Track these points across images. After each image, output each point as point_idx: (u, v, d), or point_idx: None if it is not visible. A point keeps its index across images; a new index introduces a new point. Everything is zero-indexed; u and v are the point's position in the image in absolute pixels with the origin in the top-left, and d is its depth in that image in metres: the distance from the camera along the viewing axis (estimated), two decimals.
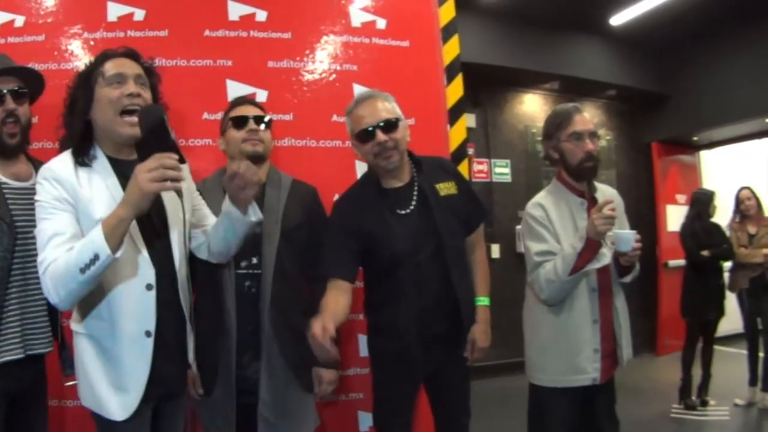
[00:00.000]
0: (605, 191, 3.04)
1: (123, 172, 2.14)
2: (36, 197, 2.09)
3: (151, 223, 2.21)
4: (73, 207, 2.08)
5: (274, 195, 2.75)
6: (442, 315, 2.74)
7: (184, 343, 2.32)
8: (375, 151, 2.67)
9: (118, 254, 1.93)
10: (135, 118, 2.10)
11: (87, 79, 2.19)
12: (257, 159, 2.71)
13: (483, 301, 2.93)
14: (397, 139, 2.67)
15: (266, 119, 2.82)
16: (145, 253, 2.16)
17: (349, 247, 2.71)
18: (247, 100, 2.94)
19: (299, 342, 2.56)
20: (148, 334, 2.14)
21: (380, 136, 2.64)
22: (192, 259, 2.44)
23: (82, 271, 1.90)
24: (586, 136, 2.84)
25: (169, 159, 1.93)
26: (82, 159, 2.16)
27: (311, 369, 2.80)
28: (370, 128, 2.66)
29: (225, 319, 2.59)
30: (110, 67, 2.17)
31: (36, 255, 2.06)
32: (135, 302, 2.14)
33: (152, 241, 2.20)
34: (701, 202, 6.30)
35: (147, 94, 2.22)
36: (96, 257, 1.89)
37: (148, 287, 2.15)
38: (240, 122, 2.76)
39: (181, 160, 1.98)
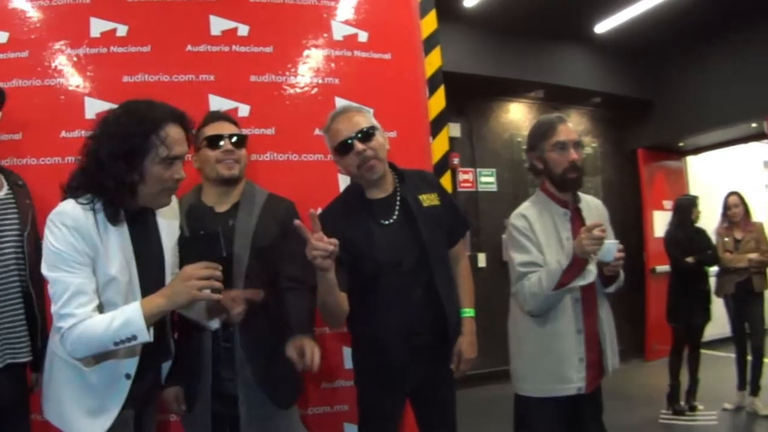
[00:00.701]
0: (590, 202, 3.06)
1: (132, 224, 2.22)
2: (53, 242, 2.05)
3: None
4: (92, 261, 2.09)
5: (246, 217, 2.72)
6: (427, 326, 2.73)
7: (159, 368, 2.47)
8: (357, 163, 2.68)
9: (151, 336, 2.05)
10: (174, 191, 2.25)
11: (144, 142, 2.09)
12: (232, 181, 2.73)
13: (468, 312, 2.93)
14: (375, 147, 2.68)
15: (241, 136, 2.78)
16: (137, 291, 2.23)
17: (339, 257, 2.63)
18: (222, 115, 2.89)
19: (273, 359, 2.62)
20: (127, 377, 2.22)
21: (358, 146, 2.65)
22: None
23: (116, 344, 2.02)
24: (570, 146, 2.85)
25: (217, 271, 2.07)
26: (110, 213, 2.13)
27: (285, 383, 2.76)
28: (349, 140, 2.67)
29: (202, 337, 2.59)
30: (169, 142, 2.12)
31: (11, 262, 2.31)
32: (122, 350, 2.16)
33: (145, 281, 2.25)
34: (682, 209, 6.35)
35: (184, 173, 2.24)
36: (134, 337, 2.01)
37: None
38: (215, 141, 2.72)
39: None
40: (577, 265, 2.68)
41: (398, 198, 2.81)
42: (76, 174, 2.17)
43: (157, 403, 2.63)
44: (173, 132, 2.13)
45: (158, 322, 2.16)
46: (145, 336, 2.02)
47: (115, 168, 2.07)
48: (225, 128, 2.76)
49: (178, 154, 2.15)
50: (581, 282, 2.74)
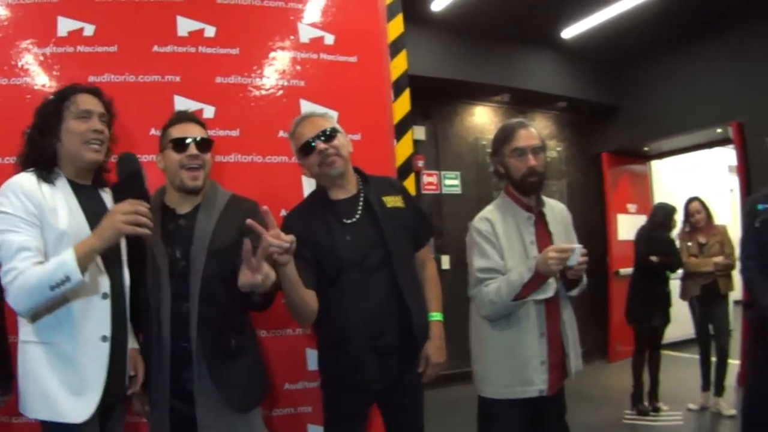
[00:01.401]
0: (554, 206, 3.10)
1: (80, 193, 2.44)
2: (1, 209, 2.25)
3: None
4: (39, 221, 2.27)
5: (205, 218, 2.70)
6: (393, 324, 2.75)
7: (123, 378, 2.51)
8: (319, 161, 2.75)
9: (86, 278, 2.20)
10: (97, 146, 2.43)
11: (58, 109, 2.42)
12: (196, 191, 2.72)
13: (436, 316, 2.95)
14: (337, 146, 2.77)
15: (206, 140, 2.75)
16: (100, 264, 2.37)
17: (304, 255, 2.72)
18: (189, 116, 2.84)
19: (230, 362, 2.65)
20: (104, 338, 2.35)
21: (320, 145, 2.74)
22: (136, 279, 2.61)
23: (52, 288, 2.13)
24: (528, 152, 2.88)
25: (142, 206, 2.23)
26: (47, 176, 2.38)
27: (243, 387, 2.73)
28: (312, 142, 2.75)
29: (162, 335, 2.58)
30: (80, 102, 2.42)
31: None
32: (92, 309, 2.34)
33: (106, 254, 2.37)
34: (665, 212, 6.43)
35: (107, 131, 2.50)
36: (67, 279, 2.13)
37: (104, 296, 2.37)
38: (180, 144, 2.67)
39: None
40: (538, 279, 2.70)
41: (361, 198, 2.85)
42: (20, 154, 2.47)
43: (124, 414, 2.65)
44: (83, 97, 2.45)
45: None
46: (78, 276, 2.13)
47: (42, 139, 2.40)
48: (191, 130, 2.72)
49: (90, 108, 2.44)
50: (541, 296, 2.77)
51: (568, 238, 2.97)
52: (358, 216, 2.82)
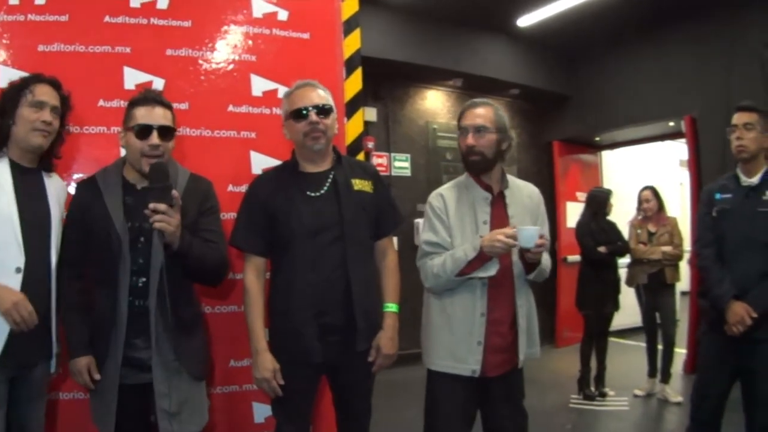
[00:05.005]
0: (522, 188, 3.11)
1: (22, 175, 2.61)
2: None
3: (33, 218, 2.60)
4: None
5: None
6: (337, 306, 2.78)
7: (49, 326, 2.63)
8: (305, 130, 2.80)
9: None
10: (44, 134, 2.60)
11: (17, 95, 2.58)
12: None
13: (391, 307, 2.99)
14: (327, 124, 2.84)
15: (170, 128, 2.74)
16: (20, 239, 2.51)
17: (258, 221, 2.83)
18: (155, 97, 2.77)
19: (186, 333, 2.70)
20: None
21: (313, 116, 2.80)
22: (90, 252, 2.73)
23: None
24: (469, 131, 2.91)
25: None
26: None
27: (197, 355, 2.82)
28: (305, 109, 2.80)
29: (117, 309, 2.60)
30: (36, 93, 2.59)
31: None
32: (2, 282, 2.45)
33: (28, 232, 2.55)
34: (598, 201, 6.49)
35: (56, 123, 2.65)
36: None
37: (17, 270, 2.48)
38: (144, 132, 2.66)
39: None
40: (480, 258, 2.74)
41: (330, 175, 2.90)
42: None
43: (42, 387, 2.70)
44: (41, 88, 2.61)
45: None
46: None
47: (4, 114, 2.57)
48: (156, 115, 2.69)
49: (44, 100, 2.59)
50: (482, 274, 2.79)
51: (533, 221, 2.97)
52: (323, 191, 2.87)
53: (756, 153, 3.33)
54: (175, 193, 2.48)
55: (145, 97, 2.76)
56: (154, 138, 2.66)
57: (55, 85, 2.66)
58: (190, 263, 2.64)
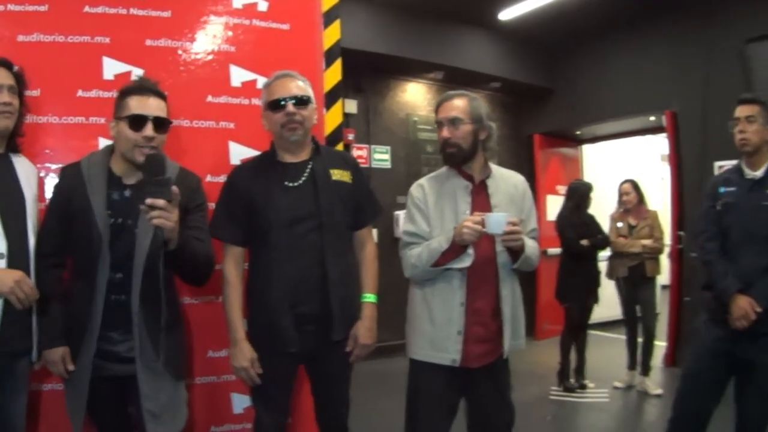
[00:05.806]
0: (507, 179, 3.12)
1: None
2: None
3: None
4: None
5: None
6: (313, 295, 2.80)
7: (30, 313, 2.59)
8: (283, 121, 2.82)
9: None
10: (7, 115, 2.57)
11: None
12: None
13: (369, 297, 3.01)
14: (304, 115, 2.85)
15: (165, 120, 2.69)
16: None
17: (236, 211, 2.85)
18: (149, 86, 2.71)
19: (167, 331, 2.67)
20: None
21: (290, 107, 2.81)
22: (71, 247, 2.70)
23: None
24: (445, 124, 2.93)
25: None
26: None
27: (178, 353, 2.81)
28: (282, 100, 2.82)
29: (93, 302, 2.57)
30: None
31: None
32: None
33: (5, 216, 2.53)
34: (579, 194, 6.52)
35: (16, 102, 2.61)
36: None
37: (0, 256, 2.46)
38: (138, 123, 2.59)
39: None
40: (454, 249, 2.76)
41: (309, 165, 2.91)
42: None
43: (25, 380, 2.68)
44: None
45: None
46: None
47: None
48: (150, 105, 2.63)
49: None
50: (458, 264, 2.81)
51: (518, 210, 2.99)
52: (301, 181, 2.88)
53: (759, 145, 3.32)
54: (174, 188, 2.34)
55: (140, 86, 2.71)
56: (149, 129, 2.60)
57: (6, 64, 2.60)
58: (186, 261, 2.61)
